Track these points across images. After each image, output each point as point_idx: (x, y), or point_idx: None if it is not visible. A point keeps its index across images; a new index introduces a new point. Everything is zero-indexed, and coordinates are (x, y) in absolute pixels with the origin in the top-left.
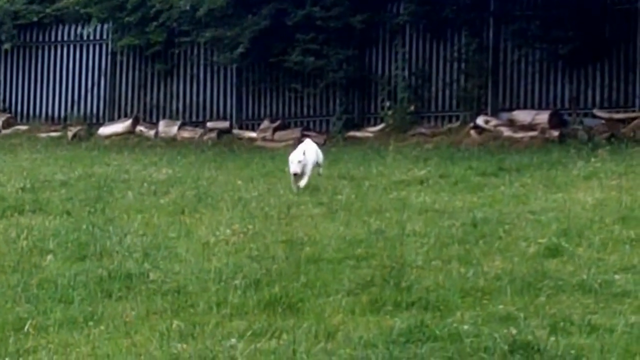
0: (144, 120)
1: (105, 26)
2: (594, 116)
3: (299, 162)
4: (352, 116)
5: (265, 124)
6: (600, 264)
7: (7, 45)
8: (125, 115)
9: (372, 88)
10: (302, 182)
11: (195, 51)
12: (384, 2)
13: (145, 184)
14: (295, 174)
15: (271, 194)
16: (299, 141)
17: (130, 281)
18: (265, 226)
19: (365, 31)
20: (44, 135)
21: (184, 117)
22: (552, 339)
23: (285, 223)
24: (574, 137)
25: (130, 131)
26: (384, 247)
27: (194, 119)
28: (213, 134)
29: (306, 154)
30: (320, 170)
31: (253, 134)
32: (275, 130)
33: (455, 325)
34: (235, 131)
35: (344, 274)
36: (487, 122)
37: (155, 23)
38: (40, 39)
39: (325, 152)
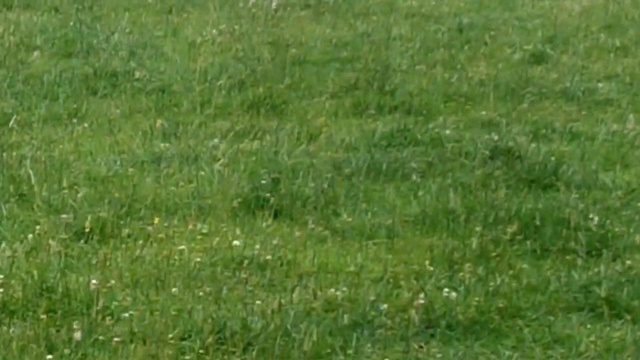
0: None
1: None
2: None
3: None
4: None
5: None
6: (585, 71)
7: None
8: None
9: None
10: None
11: None
12: None
13: None
14: None
15: None
16: None
17: (115, 79)
18: (251, 27)
19: None
20: None
21: None
22: (533, 145)
23: (271, 24)
24: None
25: None
26: (369, 50)
27: None
28: None
29: None
30: None
31: None
32: None
33: (437, 130)
34: None
35: (329, 77)
36: None
37: None
38: None
39: None
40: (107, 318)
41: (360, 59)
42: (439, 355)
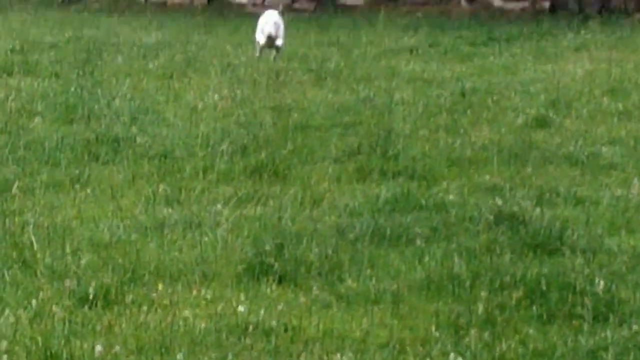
0: None
1: None
2: None
3: (275, 22)
4: None
5: None
6: (588, 135)
7: None
8: None
9: None
10: (279, 42)
11: None
12: None
13: (134, 48)
14: (269, 37)
15: (260, 60)
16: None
17: (117, 145)
18: (253, 92)
19: None
20: None
21: None
22: (538, 210)
23: (273, 89)
24: (564, 8)
25: None
26: (371, 115)
27: None
28: None
29: (279, 20)
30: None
31: (243, 0)
32: None
33: (440, 194)
34: None
35: (331, 142)
36: None
37: None
38: None
39: (315, 19)
40: None
41: (363, 124)
42: None
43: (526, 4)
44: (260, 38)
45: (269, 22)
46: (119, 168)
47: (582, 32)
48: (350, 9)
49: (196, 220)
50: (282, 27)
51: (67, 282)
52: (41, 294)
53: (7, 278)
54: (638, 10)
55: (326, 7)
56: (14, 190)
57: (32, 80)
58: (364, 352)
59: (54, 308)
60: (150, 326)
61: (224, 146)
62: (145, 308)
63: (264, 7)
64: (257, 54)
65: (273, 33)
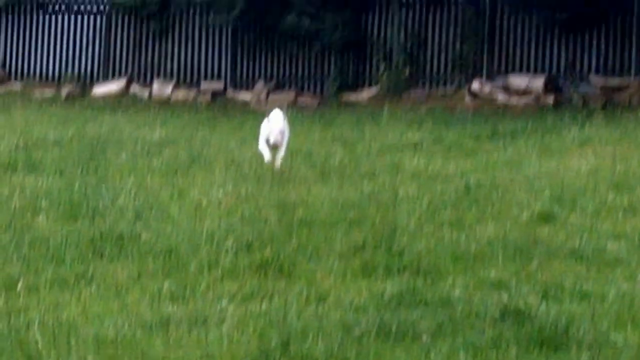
0: (138, 80)
1: None
2: (589, 82)
3: (280, 130)
4: (347, 79)
5: (259, 85)
6: (593, 231)
7: (0, 3)
8: (120, 75)
9: (367, 51)
10: (281, 154)
11: (191, 11)
12: None
13: (138, 145)
14: (275, 145)
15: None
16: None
17: (121, 242)
18: (257, 188)
19: None
20: (37, 94)
21: (178, 78)
22: (543, 305)
23: (277, 186)
24: (568, 103)
25: (124, 91)
26: (376, 211)
27: (188, 79)
28: (207, 95)
29: (284, 123)
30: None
31: (247, 96)
32: (269, 92)
33: (446, 290)
34: (229, 93)
35: (336, 238)
36: (481, 86)
37: None
38: None
39: (319, 115)
40: None
41: (368, 220)
42: None
43: (530, 99)
44: (265, 150)
45: (274, 131)
46: (123, 265)
47: (586, 127)
48: (354, 104)
49: (201, 317)
50: (287, 133)
51: None
52: None
53: None
54: None
55: (330, 103)
56: (19, 288)
57: (36, 178)
58: None
59: None
60: None
61: (228, 242)
62: None
63: (268, 103)
64: (267, 159)
65: (279, 142)
